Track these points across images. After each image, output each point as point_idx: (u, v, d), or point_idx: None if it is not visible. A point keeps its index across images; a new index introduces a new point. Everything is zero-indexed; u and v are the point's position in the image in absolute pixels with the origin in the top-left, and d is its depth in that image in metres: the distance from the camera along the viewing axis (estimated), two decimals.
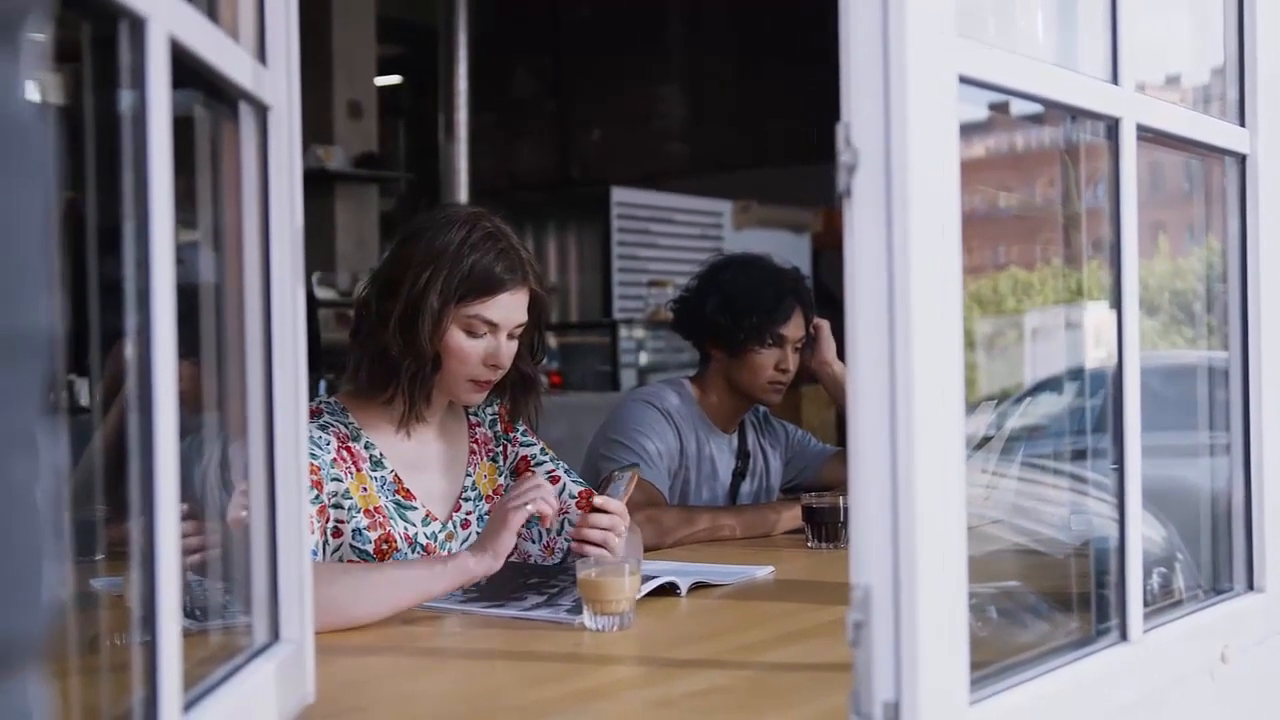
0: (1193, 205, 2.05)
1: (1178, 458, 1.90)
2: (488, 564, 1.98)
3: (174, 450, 1.01)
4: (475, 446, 2.38)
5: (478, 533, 2.30)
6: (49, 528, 0.56)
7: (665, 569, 2.19)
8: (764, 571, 2.34)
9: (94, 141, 1.04)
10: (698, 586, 2.17)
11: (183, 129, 1.07)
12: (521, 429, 2.43)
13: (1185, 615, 1.67)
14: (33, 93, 0.57)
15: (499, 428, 2.42)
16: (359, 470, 2.18)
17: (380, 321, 2.19)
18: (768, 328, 2.96)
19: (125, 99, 1.00)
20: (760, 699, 1.52)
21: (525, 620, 1.93)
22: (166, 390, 1.00)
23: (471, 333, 2.19)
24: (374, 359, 2.20)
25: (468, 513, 2.32)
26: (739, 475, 3.12)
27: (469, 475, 2.35)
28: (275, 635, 1.36)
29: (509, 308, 2.20)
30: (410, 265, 2.17)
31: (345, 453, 2.18)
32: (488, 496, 2.36)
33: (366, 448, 2.22)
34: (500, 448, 2.41)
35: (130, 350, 1.00)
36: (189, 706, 1.08)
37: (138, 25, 0.98)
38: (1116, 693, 1.48)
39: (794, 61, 8.88)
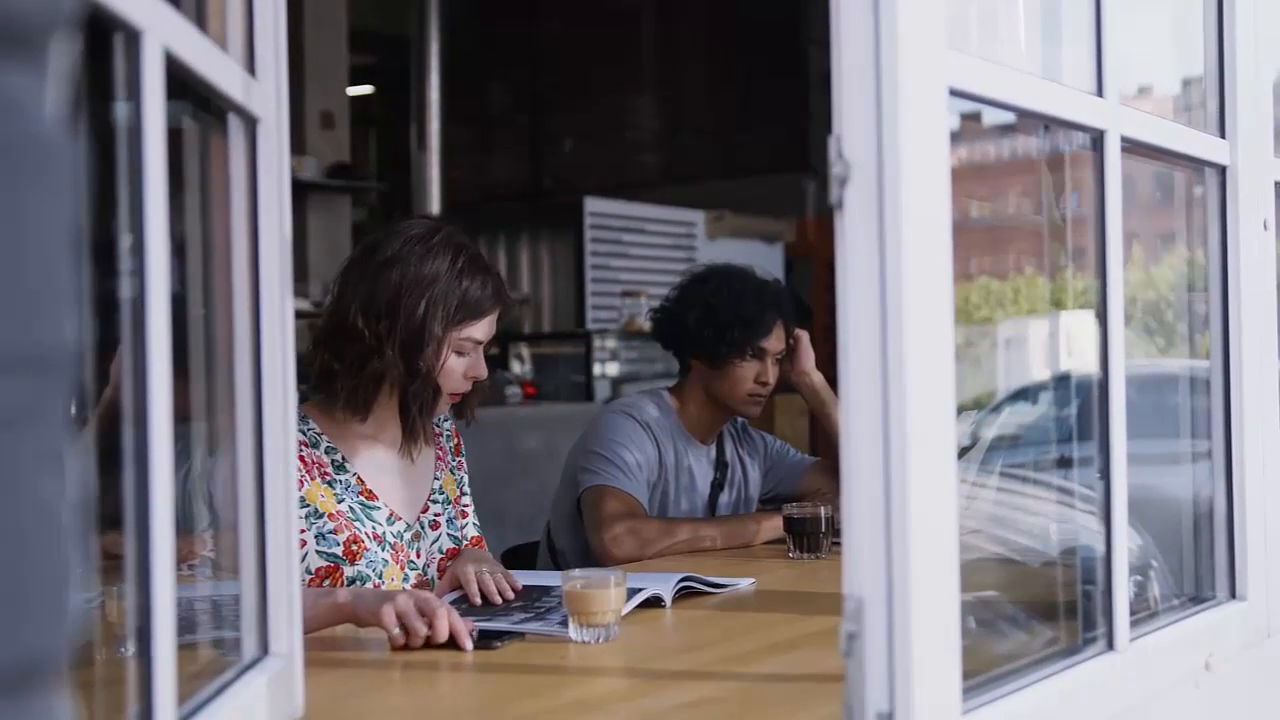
0: (1162, 215, 2.07)
1: (1152, 467, 1.91)
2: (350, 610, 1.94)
3: (168, 464, 1.00)
4: (440, 453, 2.45)
5: (448, 534, 2.38)
6: (74, 546, 0.56)
7: (648, 580, 2.19)
8: (746, 583, 2.34)
9: (87, 153, 1.03)
10: (684, 593, 2.18)
11: (170, 141, 1.07)
12: (464, 454, 2.52)
13: (1170, 624, 1.68)
14: (57, 108, 0.57)
15: (451, 445, 2.50)
16: (313, 478, 2.20)
17: (375, 348, 2.21)
18: (749, 341, 2.96)
19: (119, 110, 1.00)
20: (751, 710, 1.53)
21: (516, 633, 1.92)
22: (161, 403, 1.00)
23: (460, 352, 2.27)
24: (370, 383, 2.24)
25: (436, 514, 2.37)
26: (717, 486, 3.11)
27: (436, 479, 2.41)
28: (265, 649, 1.35)
29: (491, 324, 2.31)
30: (401, 292, 2.21)
31: (299, 461, 2.20)
32: (453, 501, 2.43)
33: (328, 453, 2.25)
34: (455, 462, 2.49)
35: (125, 362, 0.99)
36: None
37: (133, 37, 0.98)
38: (1104, 701, 1.49)
39: (766, 72, 8.91)
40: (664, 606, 2.11)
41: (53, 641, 0.55)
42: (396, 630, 1.82)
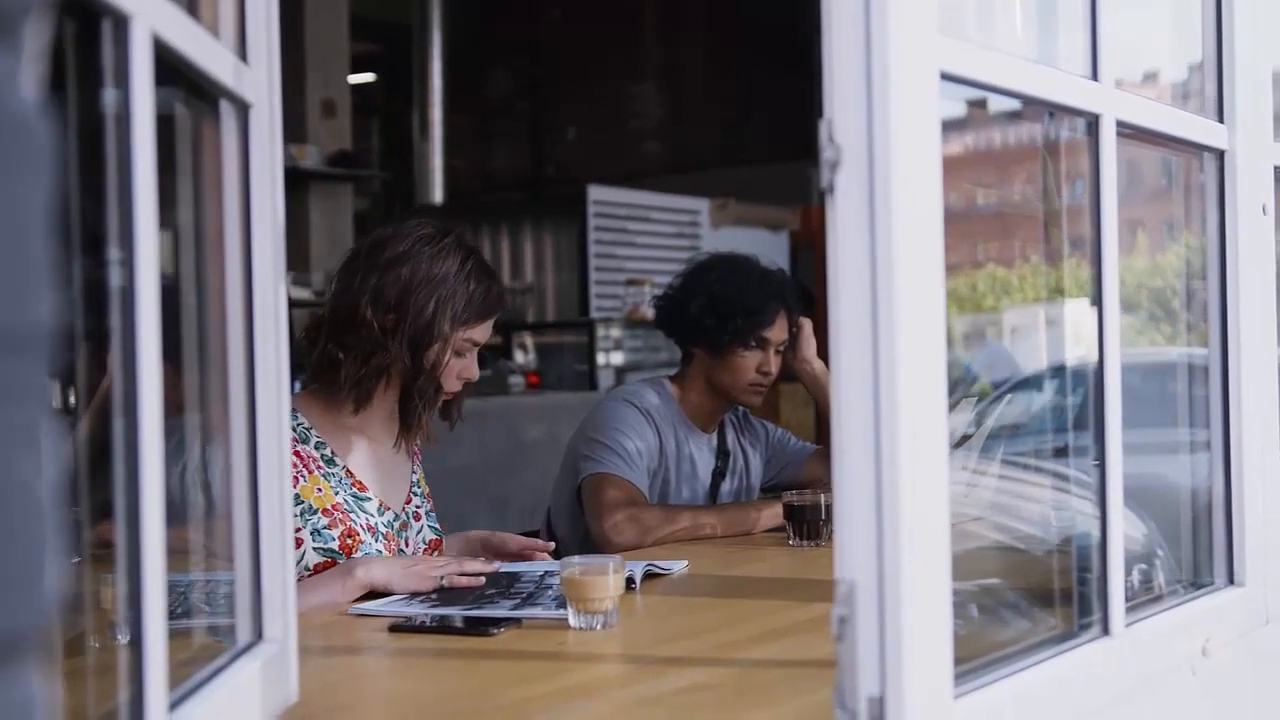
0: (1168, 202, 2.06)
1: (1155, 454, 1.91)
2: (370, 578, 2.11)
3: (159, 452, 1.01)
4: (415, 450, 2.48)
5: (429, 526, 2.43)
6: (52, 523, 0.57)
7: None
8: (680, 565, 2.36)
9: (75, 140, 1.03)
10: (649, 576, 2.22)
11: (162, 127, 1.07)
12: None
13: (1166, 609, 1.67)
14: (32, 90, 0.57)
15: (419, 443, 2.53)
16: (310, 472, 2.22)
17: (381, 341, 2.24)
18: (752, 330, 2.95)
19: (108, 97, 1.00)
20: (744, 695, 1.53)
21: (513, 619, 1.91)
22: (151, 392, 1.00)
23: (459, 353, 2.31)
24: (374, 375, 2.27)
25: (417, 506, 2.42)
26: (719, 474, 3.11)
27: (414, 473, 2.45)
28: (259, 634, 1.35)
29: (489, 328, 2.36)
30: (411, 289, 2.24)
31: (294, 456, 2.20)
32: (427, 495, 2.47)
33: (317, 448, 2.28)
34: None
35: (115, 352, 0.99)
36: (174, 706, 1.08)
37: (121, 23, 0.98)
38: (1099, 686, 1.49)
39: (769, 59, 8.90)
40: (634, 589, 2.12)
41: (28, 618, 0.55)
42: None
